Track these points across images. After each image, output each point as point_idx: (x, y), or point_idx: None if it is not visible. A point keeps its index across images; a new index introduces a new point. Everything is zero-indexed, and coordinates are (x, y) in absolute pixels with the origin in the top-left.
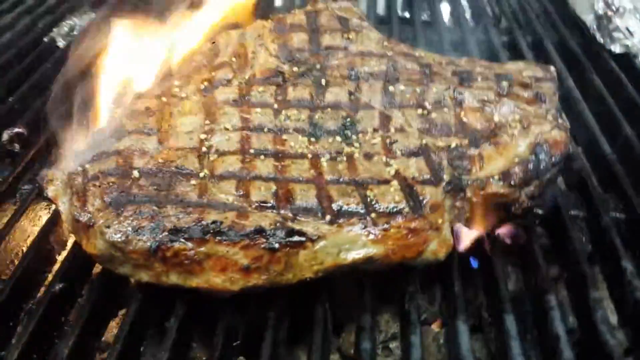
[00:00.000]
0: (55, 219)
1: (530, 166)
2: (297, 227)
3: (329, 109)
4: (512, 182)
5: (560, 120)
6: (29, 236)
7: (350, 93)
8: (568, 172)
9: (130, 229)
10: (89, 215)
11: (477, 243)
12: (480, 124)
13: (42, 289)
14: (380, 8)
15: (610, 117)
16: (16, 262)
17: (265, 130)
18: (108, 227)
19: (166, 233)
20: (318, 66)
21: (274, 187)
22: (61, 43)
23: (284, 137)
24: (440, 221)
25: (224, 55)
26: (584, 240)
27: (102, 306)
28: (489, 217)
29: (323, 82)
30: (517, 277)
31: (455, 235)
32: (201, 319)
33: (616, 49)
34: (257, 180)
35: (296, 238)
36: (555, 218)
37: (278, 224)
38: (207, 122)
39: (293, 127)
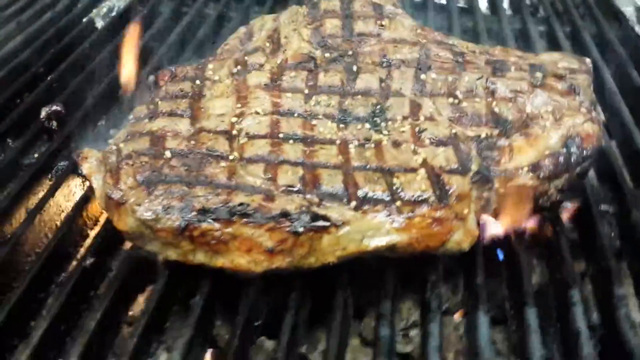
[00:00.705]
0: (88, 196)
1: (561, 159)
2: (322, 212)
3: (359, 96)
4: (542, 175)
5: (594, 113)
6: (62, 211)
7: (381, 80)
8: (600, 165)
9: (160, 207)
10: (121, 192)
11: (504, 235)
12: (512, 114)
13: (74, 263)
14: None
15: None
16: (50, 236)
17: (295, 115)
18: (139, 205)
19: (195, 213)
20: (350, 52)
21: (301, 172)
22: (100, 23)
23: (314, 122)
24: (465, 211)
25: (258, 40)
26: (613, 236)
27: (130, 281)
28: (517, 210)
29: (354, 68)
30: (542, 270)
31: (481, 226)
32: (225, 298)
33: None
34: (285, 164)
35: (320, 223)
36: (584, 212)
37: (303, 208)
38: (239, 105)
39: (323, 112)
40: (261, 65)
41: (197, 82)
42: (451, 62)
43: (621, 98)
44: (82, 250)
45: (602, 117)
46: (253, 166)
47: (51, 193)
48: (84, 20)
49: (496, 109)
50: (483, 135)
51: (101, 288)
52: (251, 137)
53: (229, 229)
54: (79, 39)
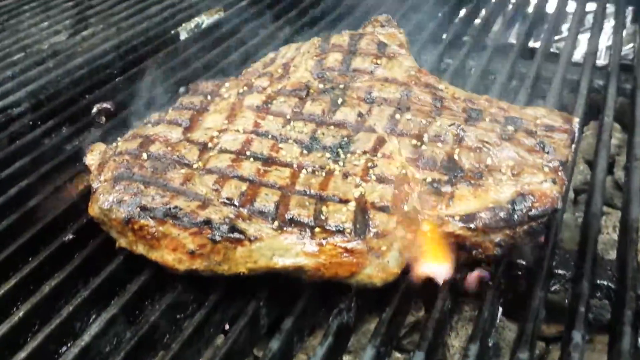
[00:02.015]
0: None
1: (501, 214)
2: (241, 225)
3: (332, 127)
4: (474, 226)
5: (559, 174)
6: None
7: (360, 114)
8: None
9: (115, 200)
10: (98, 183)
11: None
12: (470, 163)
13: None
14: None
15: None
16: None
17: (270, 136)
18: (102, 195)
19: (138, 209)
20: (342, 86)
21: (244, 187)
22: (183, 36)
23: (281, 145)
24: (384, 248)
25: (273, 66)
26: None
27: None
28: (449, 255)
29: (340, 101)
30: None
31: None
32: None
33: None
34: (234, 179)
35: (236, 235)
36: (531, 272)
37: (226, 220)
38: (226, 122)
39: (294, 137)
40: (264, 89)
41: (209, 97)
42: (429, 105)
43: None
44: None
45: (566, 180)
46: (208, 176)
47: (71, 177)
48: (172, 32)
49: (456, 157)
50: (429, 180)
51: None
52: (222, 151)
53: (161, 228)
54: (158, 48)
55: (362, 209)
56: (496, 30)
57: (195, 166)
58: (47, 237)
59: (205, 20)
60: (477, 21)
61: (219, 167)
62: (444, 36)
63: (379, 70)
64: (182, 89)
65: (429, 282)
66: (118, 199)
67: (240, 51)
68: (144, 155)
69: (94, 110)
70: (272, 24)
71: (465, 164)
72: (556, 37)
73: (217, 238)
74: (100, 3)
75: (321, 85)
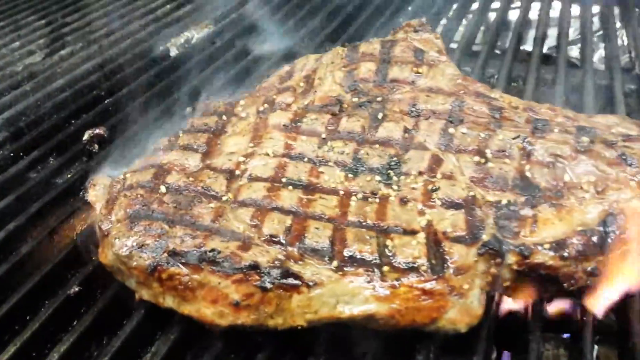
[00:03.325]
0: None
1: (594, 238)
2: (295, 268)
3: (377, 145)
4: (566, 254)
5: None
6: (76, 234)
7: (406, 130)
8: None
9: (135, 244)
10: (109, 224)
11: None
12: (546, 181)
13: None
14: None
15: None
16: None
17: (305, 159)
18: (118, 239)
19: (166, 254)
20: (379, 99)
21: (289, 221)
22: (173, 52)
23: (321, 169)
24: (466, 286)
25: (294, 79)
26: None
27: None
28: (535, 290)
29: (380, 115)
30: None
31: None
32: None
33: None
34: (275, 211)
35: (291, 281)
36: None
37: (276, 262)
38: (252, 144)
39: (334, 159)
40: (288, 105)
41: (224, 117)
42: (487, 117)
43: None
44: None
45: None
46: (243, 210)
47: (67, 217)
48: (161, 48)
49: (528, 174)
50: (505, 202)
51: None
52: (252, 179)
53: (197, 276)
54: (147, 67)
55: (435, 241)
56: (509, 37)
57: (224, 198)
58: (47, 291)
59: (195, 34)
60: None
61: (253, 199)
62: (454, 45)
63: (421, 79)
64: (188, 110)
65: (515, 321)
66: (139, 243)
67: (240, 66)
68: (162, 188)
69: (86, 137)
70: (271, 35)
71: (540, 182)
72: (569, 42)
73: (268, 285)
74: (76, 20)
75: (355, 99)
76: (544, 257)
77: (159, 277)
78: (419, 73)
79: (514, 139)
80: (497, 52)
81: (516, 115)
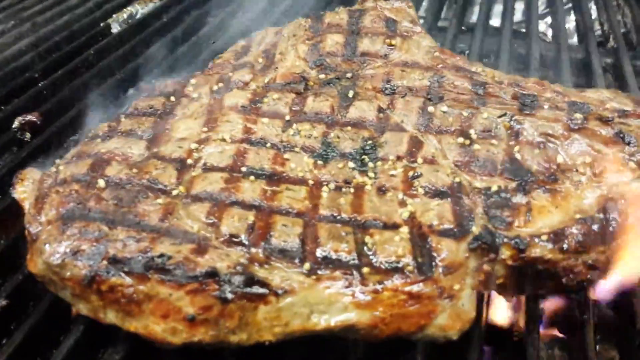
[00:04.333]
0: None
1: (595, 227)
2: (261, 274)
3: (349, 127)
4: (565, 246)
5: None
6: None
7: (380, 110)
8: None
9: (68, 250)
10: (39, 226)
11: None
12: (538, 163)
13: None
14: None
15: None
16: None
17: (268, 145)
18: (48, 244)
19: (105, 262)
20: (349, 75)
21: (251, 218)
22: (116, 29)
23: (287, 155)
24: (457, 287)
25: (251, 55)
26: None
27: (43, 332)
28: (531, 287)
29: (350, 93)
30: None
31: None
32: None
33: None
34: (235, 206)
35: (256, 289)
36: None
37: (238, 268)
38: (205, 129)
39: (301, 144)
40: (246, 84)
41: (172, 98)
42: (469, 93)
43: None
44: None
45: None
46: (197, 206)
47: None
48: (101, 24)
49: (518, 156)
50: (495, 188)
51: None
52: (207, 168)
53: (143, 287)
54: (88, 44)
55: (420, 235)
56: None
57: (175, 192)
58: None
59: (139, 9)
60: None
61: (209, 192)
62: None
63: (394, 53)
64: (131, 91)
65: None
66: (73, 249)
67: (191, 42)
68: (100, 182)
69: (16, 124)
70: (221, 10)
71: (532, 165)
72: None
73: (229, 296)
74: None
75: (322, 76)
76: (542, 250)
77: (97, 289)
78: (392, 45)
79: (500, 117)
80: (463, 28)
81: (501, 91)
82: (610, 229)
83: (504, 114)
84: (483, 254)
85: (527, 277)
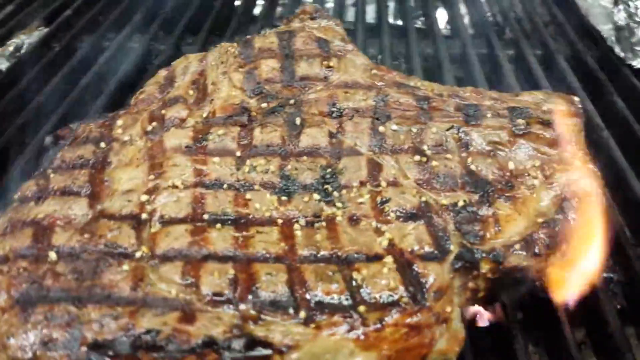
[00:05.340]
0: None
1: (558, 228)
2: (260, 332)
3: (304, 157)
4: (537, 251)
5: (589, 166)
6: None
7: (332, 135)
8: None
9: (38, 341)
10: None
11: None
12: (492, 172)
13: None
14: (370, 16)
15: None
16: None
17: (225, 186)
18: (11, 337)
19: (85, 348)
20: (292, 101)
21: (231, 272)
22: (4, 65)
23: (248, 195)
24: (449, 309)
25: (180, 87)
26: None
27: None
28: (507, 294)
29: (298, 121)
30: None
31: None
32: None
33: (639, 64)
34: (210, 260)
35: (259, 351)
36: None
37: (235, 330)
38: (152, 176)
39: (259, 181)
40: (182, 121)
41: (102, 144)
42: (414, 109)
43: (609, 134)
44: None
45: (597, 170)
46: (167, 267)
47: None
48: None
49: (473, 167)
50: (461, 203)
51: None
52: (166, 222)
53: None
54: None
55: (406, 263)
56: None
57: (138, 254)
58: None
59: (24, 39)
60: (330, 5)
61: (176, 249)
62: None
63: (333, 74)
64: (47, 139)
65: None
66: (43, 339)
67: (92, 72)
68: (51, 255)
69: None
70: (116, 34)
71: (487, 175)
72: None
73: None
74: None
75: (264, 104)
76: (517, 258)
77: None
78: (330, 67)
79: (448, 130)
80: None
81: (444, 104)
82: (570, 227)
83: (452, 127)
84: (466, 272)
85: (503, 286)
